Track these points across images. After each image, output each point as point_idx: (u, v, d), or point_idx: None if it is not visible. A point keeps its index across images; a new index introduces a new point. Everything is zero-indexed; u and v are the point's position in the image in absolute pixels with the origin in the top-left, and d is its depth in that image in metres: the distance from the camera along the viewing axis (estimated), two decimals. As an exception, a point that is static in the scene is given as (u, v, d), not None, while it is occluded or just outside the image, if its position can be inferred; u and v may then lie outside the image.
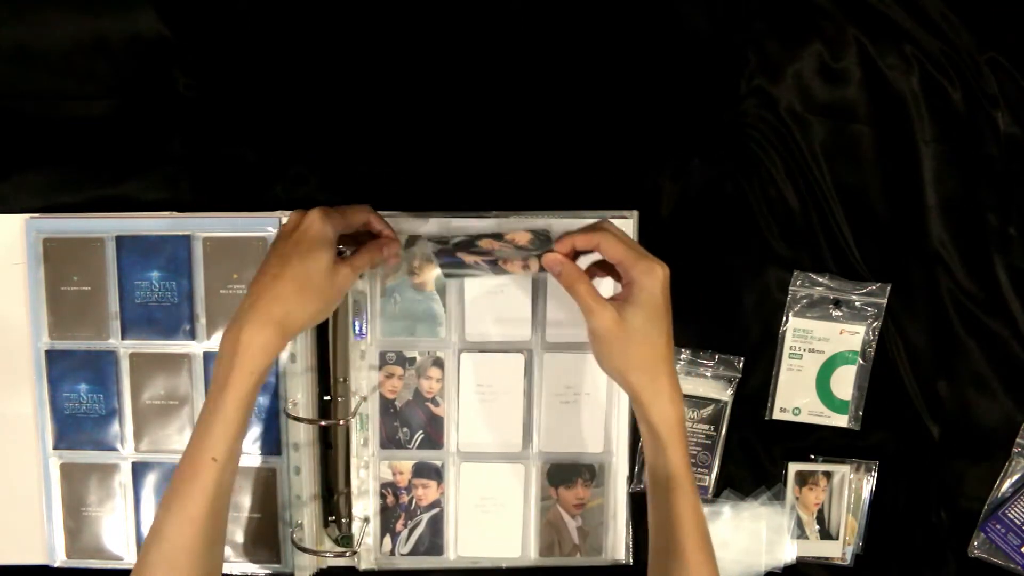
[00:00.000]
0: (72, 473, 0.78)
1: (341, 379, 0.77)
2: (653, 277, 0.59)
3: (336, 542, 0.79)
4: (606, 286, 0.70)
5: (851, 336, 0.77)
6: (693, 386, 0.77)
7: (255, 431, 0.76)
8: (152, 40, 0.76)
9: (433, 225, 0.75)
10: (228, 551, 0.77)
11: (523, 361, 0.76)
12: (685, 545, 0.60)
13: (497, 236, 0.68)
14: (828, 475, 0.77)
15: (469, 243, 0.69)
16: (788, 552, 0.78)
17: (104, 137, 0.77)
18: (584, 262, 0.66)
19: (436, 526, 0.78)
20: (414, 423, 0.77)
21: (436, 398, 0.77)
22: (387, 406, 0.77)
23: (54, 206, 0.77)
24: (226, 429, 0.60)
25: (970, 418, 0.77)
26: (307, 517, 0.76)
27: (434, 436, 0.77)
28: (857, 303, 0.76)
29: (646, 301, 0.59)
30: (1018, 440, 0.77)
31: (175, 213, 0.76)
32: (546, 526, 0.78)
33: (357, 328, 0.76)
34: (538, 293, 0.76)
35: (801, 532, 0.78)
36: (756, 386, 0.78)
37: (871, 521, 0.78)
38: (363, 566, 0.78)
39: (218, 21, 0.76)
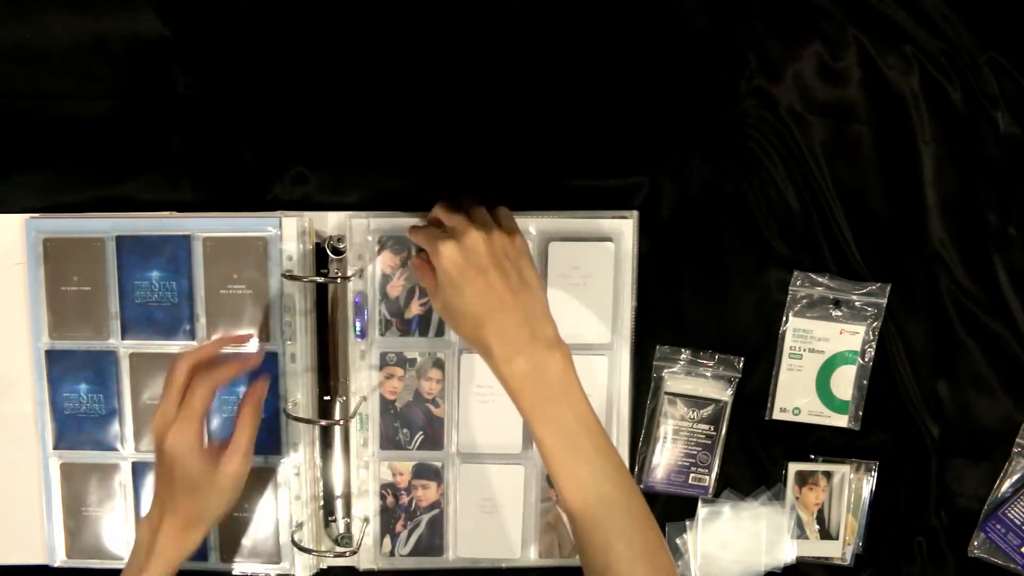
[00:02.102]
0: (72, 473, 0.78)
1: (341, 379, 0.77)
2: (442, 261, 0.63)
3: (336, 542, 0.79)
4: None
5: (851, 336, 0.77)
6: (693, 386, 0.77)
7: (255, 431, 0.76)
8: (152, 40, 0.76)
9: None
10: (228, 551, 0.77)
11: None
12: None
13: None
14: (828, 475, 0.77)
15: None
16: (788, 552, 0.78)
17: (104, 137, 0.77)
18: None
19: (436, 527, 0.78)
20: (414, 424, 0.77)
21: (436, 399, 0.77)
22: (387, 407, 0.77)
23: (54, 206, 0.77)
24: None
25: (970, 418, 0.77)
26: (307, 517, 0.77)
27: (434, 437, 0.77)
28: (857, 303, 0.76)
29: (445, 283, 0.64)
30: (1018, 440, 0.77)
31: (175, 213, 0.76)
32: (546, 527, 0.78)
33: (357, 328, 0.76)
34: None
35: (801, 532, 0.78)
36: (756, 386, 0.78)
37: (871, 521, 0.78)
38: (363, 566, 0.78)
39: (218, 21, 0.76)
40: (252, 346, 0.75)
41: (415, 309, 0.76)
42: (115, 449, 0.77)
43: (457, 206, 0.68)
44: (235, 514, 0.77)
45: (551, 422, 0.62)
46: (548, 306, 0.66)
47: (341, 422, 0.76)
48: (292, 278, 0.73)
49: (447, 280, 0.64)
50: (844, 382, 0.77)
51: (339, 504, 0.79)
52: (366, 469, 0.77)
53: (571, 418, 0.62)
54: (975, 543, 0.78)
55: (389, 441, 0.77)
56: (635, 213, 0.75)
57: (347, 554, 0.77)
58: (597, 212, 0.75)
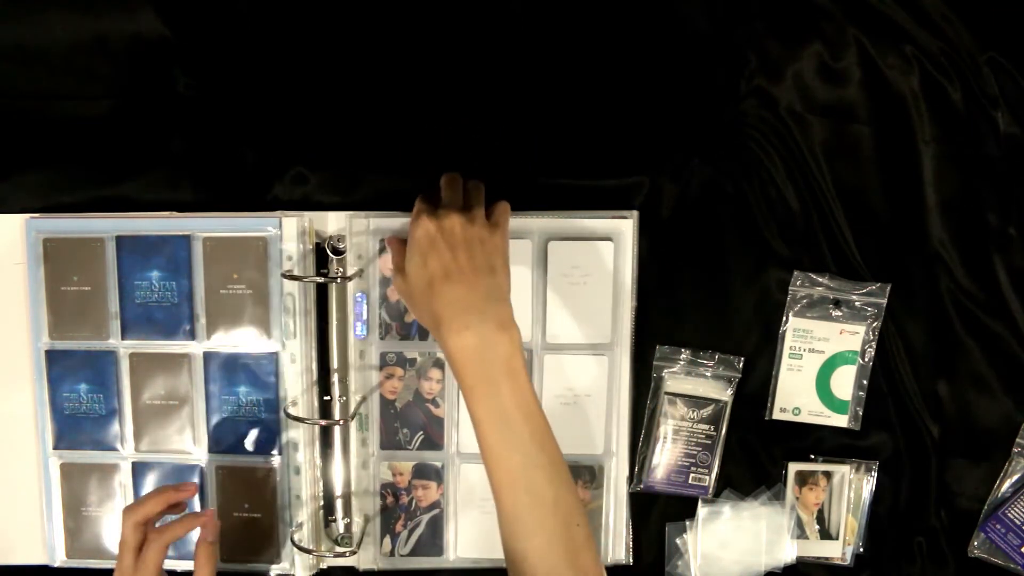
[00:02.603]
0: (72, 473, 0.78)
1: (341, 379, 0.77)
2: (413, 228, 0.65)
3: (336, 542, 0.79)
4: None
5: (851, 336, 0.77)
6: (693, 386, 0.77)
7: (255, 431, 0.76)
8: (152, 40, 0.76)
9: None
10: (228, 551, 0.77)
11: (523, 361, 0.76)
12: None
13: None
14: (828, 475, 0.77)
15: None
16: (788, 552, 0.78)
17: (104, 137, 0.77)
18: None
19: (436, 527, 0.78)
20: (414, 424, 0.77)
21: (436, 399, 0.77)
22: (387, 406, 0.77)
23: (54, 206, 0.77)
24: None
25: (970, 418, 0.77)
26: (307, 517, 0.77)
27: (434, 437, 0.77)
28: (857, 303, 0.76)
29: (411, 250, 0.65)
30: (1018, 440, 0.77)
31: (175, 213, 0.76)
32: (546, 526, 0.78)
33: (357, 328, 0.76)
34: (538, 294, 0.76)
35: (801, 532, 0.78)
36: (756, 386, 0.78)
37: (871, 521, 0.78)
38: (363, 566, 0.78)
39: (218, 21, 0.76)
40: (196, 499, 0.75)
41: (415, 309, 0.76)
42: (115, 449, 0.77)
43: (460, 183, 0.69)
44: (235, 514, 0.77)
45: (490, 402, 0.61)
46: (509, 294, 0.65)
47: (341, 422, 0.76)
48: (292, 278, 0.73)
49: (415, 249, 0.64)
50: (844, 382, 0.77)
51: (339, 504, 0.79)
52: (366, 469, 0.77)
53: (511, 402, 0.61)
54: (975, 543, 0.78)
55: (389, 441, 0.77)
56: (635, 213, 0.75)
57: (347, 554, 0.77)
58: (597, 212, 0.75)
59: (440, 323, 0.62)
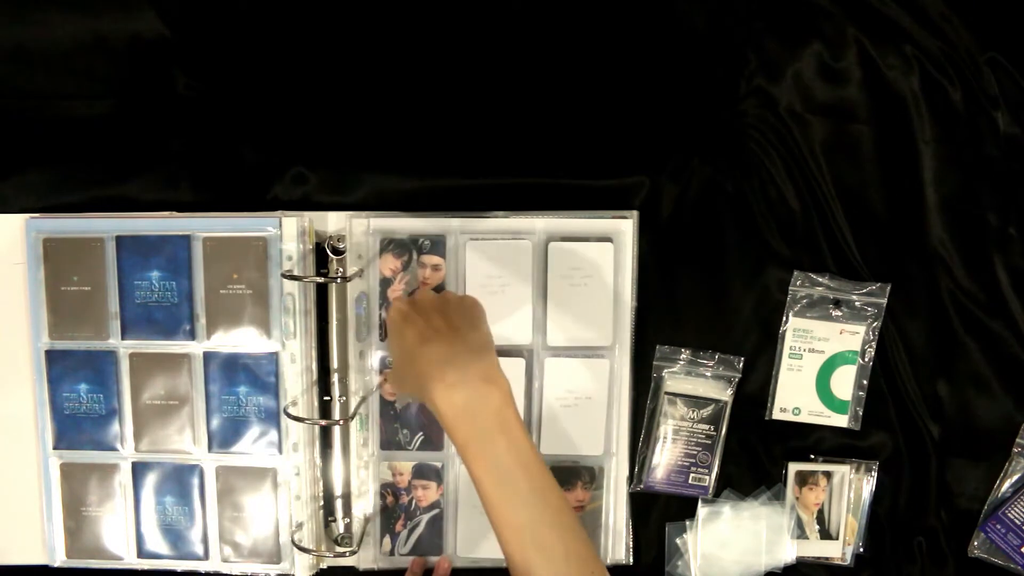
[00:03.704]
0: (72, 473, 0.78)
1: (341, 379, 0.77)
2: (388, 313, 0.66)
3: (336, 542, 0.79)
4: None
5: (851, 336, 0.77)
6: (693, 386, 0.77)
7: (255, 431, 0.76)
8: (152, 40, 0.76)
9: (432, 225, 0.75)
10: (228, 551, 0.77)
11: (524, 364, 0.76)
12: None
13: None
14: (828, 475, 0.77)
15: None
16: (788, 552, 0.78)
17: (104, 137, 0.77)
18: None
19: (436, 527, 0.78)
20: (414, 424, 0.77)
21: (436, 398, 0.77)
22: (387, 407, 0.77)
23: (54, 206, 0.77)
24: None
25: (970, 418, 0.77)
26: (307, 517, 0.77)
27: (434, 437, 0.77)
28: (857, 303, 0.76)
29: (390, 332, 0.67)
30: (1018, 440, 0.77)
31: (175, 213, 0.76)
32: (546, 526, 0.78)
33: (358, 329, 0.76)
34: (539, 296, 0.76)
35: (801, 532, 0.78)
36: (756, 386, 0.78)
37: (871, 521, 0.78)
38: (363, 566, 0.78)
39: (218, 21, 0.76)
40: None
41: (415, 309, 0.75)
42: (115, 449, 0.77)
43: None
44: (234, 514, 0.77)
45: (487, 460, 0.58)
46: (493, 346, 0.63)
47: (341, 422, 0.76)
48: (292, 278, 0.73)
49: (392, 330, 0.65)
50: (844, 382, 0.77)
51: (339, 504, 0.79)
52: (366, 469, 0.77)
53: (508, 455, 0.58)
54: (975, 543, 0.78)
55: (389, 441, 0.77)
56: (635, 213, 0.75)
57: (347, 554, 0.77)
58: (597, 212, 0.75)
59: (425, 384, 0.59)
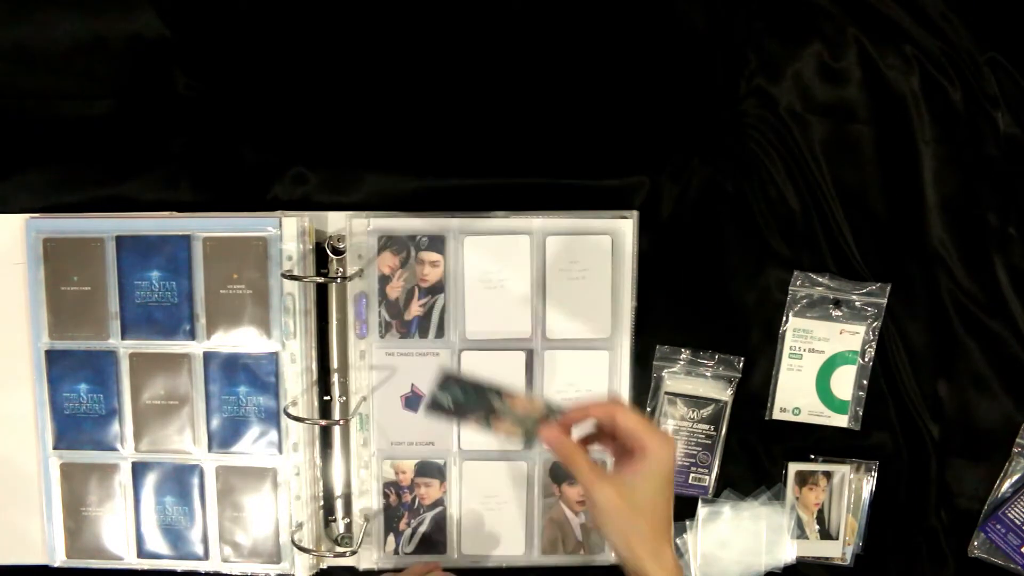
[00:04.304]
0: (72, 473, 0.78)
1: (341, 379, 0.77)
2: (667, 448, 0.58)
3: (336, 542, 0.79)
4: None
5: (851, 336, 0.77)
6: (693, 386, 0.77)
7: (255, 431, 0.76)
8: (152, 40, 0.76)
9: (432, 225, 0.75)
10: (228, 551, 0.77)
11: (524, 359, 0.76)
12: None
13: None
14: (828, 475, 0.77)
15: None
16: (788, 552, 0.78)
17: (104, 137, 0.77)
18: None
19: (439, 525, 0.78)
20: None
21: (436, 398, 0.77)
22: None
23: (54, 206, 0.77)
24: None
25: (970, 418, 0.77)
26: (307, 517, 0.77)
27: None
28: (857, 303, 0.76)
29: (658, 472, 0.57)
30: (1018, 440, 0.77)
31: (175, 213, 0.76)
32: (549, 524, 0.78)
33: (358, 328, 0.76)
34: (538, 291, 0.76)
35: (801, 532, 0.78)
36: (756, 386, 0.78)
37: (871, 521, 0.78)
38: (363, 566, 0.78)
39: (218, 21, 0.76)
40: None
41: (415, 310, 0.76)
42: (115, 449, 0.77)
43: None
44: (234, 514, 0.77)
45: None
46: None
47: (341, 422, 0.76)
48: (292, 278, 0.73)
49: (668, 478, 0.58)
50: (844, 382, 0.77)
51: (339, 504, 0.79)
52: (366, 468, 0.77)
53: None
54: (975, 543, 0.78)
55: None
56: (635, 213, 0.75)
57: (347, 554, 0.77)
58: (597, 212, 0.75)
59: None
